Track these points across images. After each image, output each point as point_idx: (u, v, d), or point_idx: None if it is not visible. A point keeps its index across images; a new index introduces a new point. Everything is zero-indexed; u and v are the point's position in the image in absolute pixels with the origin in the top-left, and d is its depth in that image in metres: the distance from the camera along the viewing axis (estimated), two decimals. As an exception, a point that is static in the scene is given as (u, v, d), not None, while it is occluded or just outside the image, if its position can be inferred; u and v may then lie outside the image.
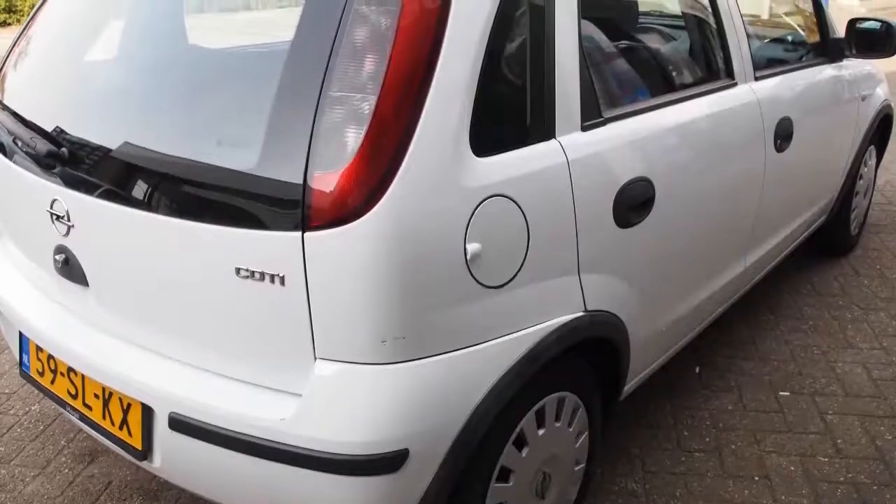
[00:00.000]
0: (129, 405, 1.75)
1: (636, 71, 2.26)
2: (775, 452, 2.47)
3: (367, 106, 1.41)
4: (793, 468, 2.40)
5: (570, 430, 1.95)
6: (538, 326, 1.71)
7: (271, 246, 1.47)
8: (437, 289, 1.50)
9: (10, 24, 14.04)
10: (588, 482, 2.14)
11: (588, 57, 1.86)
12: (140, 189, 1.66)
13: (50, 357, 1.93)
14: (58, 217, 1.80)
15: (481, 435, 1.61)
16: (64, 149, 1.77)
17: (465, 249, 1.51)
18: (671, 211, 2.08)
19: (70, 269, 1.82)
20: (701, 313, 2.51)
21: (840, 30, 3.36)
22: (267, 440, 1.53)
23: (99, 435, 1.87)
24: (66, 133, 1.82)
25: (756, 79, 2.58)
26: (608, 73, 2.08)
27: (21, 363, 2.08)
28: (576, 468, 2.04)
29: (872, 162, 3.95)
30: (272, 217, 1.47)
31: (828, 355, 3.03)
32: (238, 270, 1.51)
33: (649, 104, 2.10)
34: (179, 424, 1.63)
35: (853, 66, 3.42)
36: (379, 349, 1.47)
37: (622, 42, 2.39)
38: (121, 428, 1.78)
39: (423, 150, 1.44)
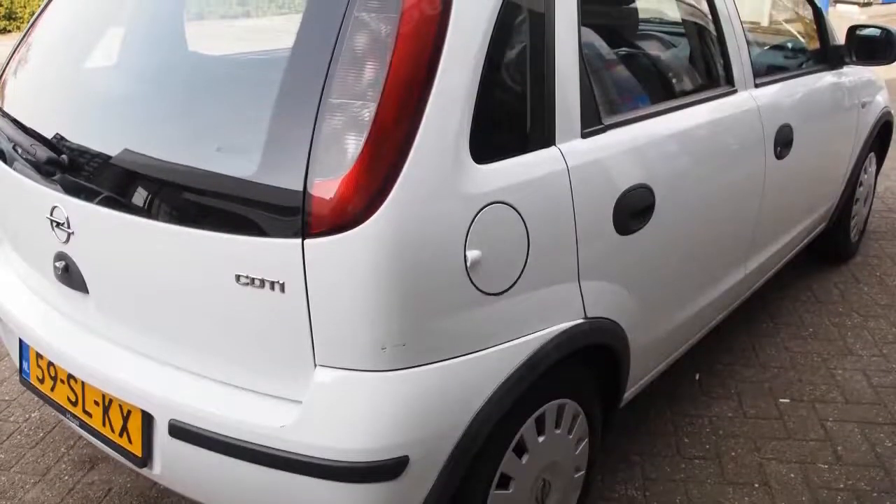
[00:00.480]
0: (129, 412, 1.74)
1: (636, 78, 2.26)
2: (775, 459, 2.46)
3: (367, 113, 1.41)
4: (793, 475, 2.39)
5: (570, 436, 1.95)
6: (538, 333, 1.71)
7: (271, 253, 1.47)
8: (437, 296, 1.50)
9: (10, 31, 14.05)
10: (588, 489, 2.13)
11: (588, 64, 1.86)
12: (140, 196, 1.66)
13: (50, 364, 1.93)
14: (58, 224, 1.80)
15: (481, 442, 1.61)
16: (64, 156, 1.77)
17: (465, 256, 1.51)
18: (671, 218, 2.08)
19: (70, 275, 1.82)
20: (701, 320, 2.51)
21: (840, 37, 3.36)
22: (267, 447, 1.52)
23: (99, 442, 1.87)
24: (66, 140, 1.82)
25: (756, 86, 2.59)
26: (608, 80, 2.08)
27: (21, 370, 2.08)
28: (576, 475, 2.04)
29: (872, 169, 3.96)
30: (272, 224, 1.47)
31: (828, 362, 3.03)
32: (238, 277, 1.51)
33: (649, 111, 2.10)
34: (179, 431, 1.63)
35: (853, 73, 3.42)
36: (379, 356, 1.47)
37: (622, 49, 2.40)
38: (121, 435, 1.78)
39: (423, 157, 1.44)
